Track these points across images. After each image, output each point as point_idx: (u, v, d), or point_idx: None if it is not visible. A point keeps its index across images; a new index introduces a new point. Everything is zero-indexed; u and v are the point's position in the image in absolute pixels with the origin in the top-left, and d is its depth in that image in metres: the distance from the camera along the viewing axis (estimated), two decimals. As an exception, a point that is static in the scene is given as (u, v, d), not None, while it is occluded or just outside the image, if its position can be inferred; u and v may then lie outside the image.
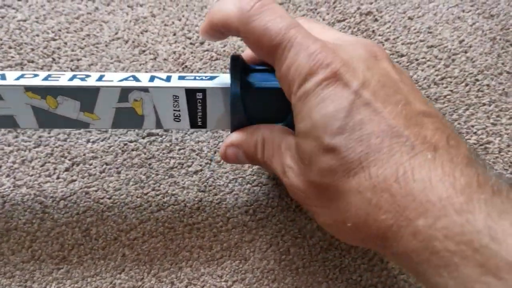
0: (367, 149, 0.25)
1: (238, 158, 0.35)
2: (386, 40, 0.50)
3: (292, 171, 0.30)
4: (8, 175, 0.44)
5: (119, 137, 0.46)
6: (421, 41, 0.50)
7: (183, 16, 0.50)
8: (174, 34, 0.49)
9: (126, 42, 0.49)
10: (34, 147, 0.45)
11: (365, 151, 0.25)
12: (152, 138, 0.46)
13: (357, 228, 0.26)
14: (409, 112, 0.26)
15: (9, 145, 0.45)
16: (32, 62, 0.48)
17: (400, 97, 0.28)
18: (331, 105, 0.26)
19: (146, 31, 0.49)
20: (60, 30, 0.49)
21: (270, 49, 0.28)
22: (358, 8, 0.51)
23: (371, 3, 0.51)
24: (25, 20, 0.49)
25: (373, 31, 0.50)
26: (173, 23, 0.50)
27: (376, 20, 0.50)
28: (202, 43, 0.49)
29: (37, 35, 0.49)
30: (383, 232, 0.25)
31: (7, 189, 0.44)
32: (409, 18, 0.51)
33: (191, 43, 0.49)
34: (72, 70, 0.47)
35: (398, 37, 0.50)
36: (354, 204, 0.26)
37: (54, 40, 0.49)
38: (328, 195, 0.27)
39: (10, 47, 0.48)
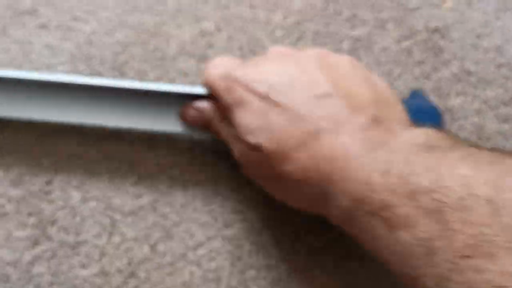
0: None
1: (194, 120, 0.40)
2: (454, 58, 0.47)
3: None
4: (77, 188, 0.43)
5: (186, 152, 0.44)
6: (489, 59, 0.48)
7: (248, 30, 0.48)
8: (240, 49, 0.47)
9: (193, 56, 0.47)
10: (102, 160, 0.44)
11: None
12: (219, 154, 0.44)
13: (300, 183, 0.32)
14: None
15: (78, 158, 0.44)
16: (101, 75, 0.46)
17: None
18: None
19: (212, 45, 0.48)
20: (127, 44, 0.47)
21: None
22: (426, 25, 0.48)
23: (438, 20, 0.48)
24: (93, 33, 0.48)
25: (441, 48, 0.47)
26: (239, 37, 0.48)
27: (443, 37, 0.48)
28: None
29: (106, 49, 0.47)
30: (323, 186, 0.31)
31: (76, 202, 0.43)
32: (477, 36, 0.48)
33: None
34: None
35: (466, 55, 0.47)
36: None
37: (122, 53, 0.48)
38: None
39: (79, 60, 0.47)
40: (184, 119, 0.42)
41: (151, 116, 0.41)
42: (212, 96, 0.39)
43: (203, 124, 0.41)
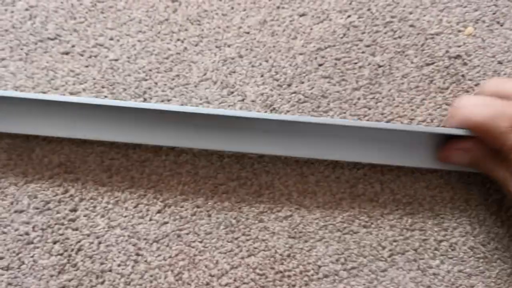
0: None
1: (460, 161, 0.40)
2: (476, 85, 0.47)
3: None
4: (102, 216, 0.43)
5: (209, 180, 0.44)
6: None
7: (270, 57, 0.48)
8: (262, 76, 0.47)
9: (215, 83, 0.47)
10: (127, 188, 0.44)
11: None
12: (242, 181, 0.44)
13: None
14: None
15: (103, 185, 0.44)
16: (124, 101, 0.47)
17: None
18: None
19: (234, 72, 0.48)
20: (150, 70, 0.48)
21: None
22: (447, 51, 0.48)
23: (459, 46, 0.48)
24: (117, 60, 0.48)
25: (463, 75, 0.47)
26: (260, 64, 0.48)
27: (465, 64, 0.48)
28: (289, 85, 0.47)
29: (129, 75, 0.47)
30: None
31: (101, 230, 0.43)
32: (499, 62, 0.48)
33: (278, 85, 0.47)
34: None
35: (488, 82, 0.47)
36: None
37: (145, 80, 0.48)
38: None
39: (103, 87, 0.47)
40: (446, 160, 0.42)
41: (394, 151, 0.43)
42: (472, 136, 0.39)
43: (468, 164, 0.40)
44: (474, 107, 0.37)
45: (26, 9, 0.49)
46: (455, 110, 0.39)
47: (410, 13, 0.50)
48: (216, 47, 0.49)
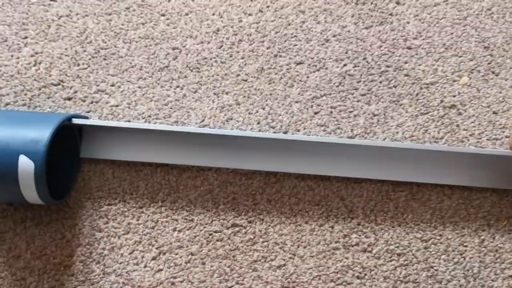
0: None
1: None
2: (471, 135, 0.47)
3: None
4: (98, 262, 0.43)
5: (204, 227, 0.44)
6: (507, 136, 0.47)
7: (266, 104, 0.48)
8: (258, 123, 0.48)
9: (212, 128, 0.48)
10: (123, 234, 0.44)
11: None
12: (236, 229, 0.44)
13: None
14: None
15: (100, 231, 0.44)
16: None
17: None
18: None
19: (231, 119, 0.48)
20: (150, 116, 0.48)
21: None
22: (442, 101, 0.48)
23: (454, 96, 0.48)
24: (117, 106, 0.48)
25: (458, 125, 0.47)
26: (257, 111, 0.48)
27: (460, 113, 0.48)
28: (285, 132, 0.47)
29: (129, 121, 0.48)
30: None
31: (96, 276, 0.43)
32: (494, 112, 0.48)
33: (274, 132, 0.47)
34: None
35: (483, 132, 0.47)
36: None
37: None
38: None
39: (103, 133, 0.47)
40: None
41: None
42: None
43: None
44: None
45: (32, 55, 0.50)
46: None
47: (405, 62, 0.50)
48: (214, 94, 0.49)
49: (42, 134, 0.38)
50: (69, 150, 0.43)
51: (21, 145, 0.38)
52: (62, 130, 0.41)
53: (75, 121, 0.42)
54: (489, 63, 0.49)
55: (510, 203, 0.44)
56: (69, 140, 0.43)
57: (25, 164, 0.37)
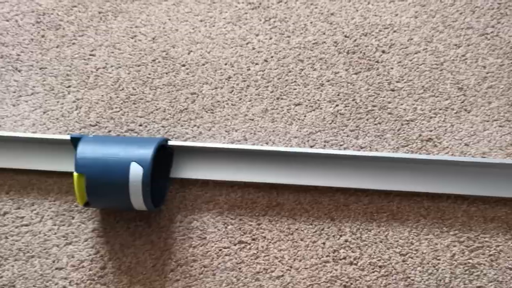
0: None
1: None
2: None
3: None
4: (126, 272, 0.51)
5: (215, 243, 0.52)
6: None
7: (269, 140, 0.56)
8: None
9: (223, 161, 0.56)
10: (147, 250, 0.52)
11: None
12: (242, 245, 0.51)
13: None
14: None
15: (128, 247, 0.52)
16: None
17: None
18: None
19: (239, 152, 0.56)
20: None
21: None
22: (420, 135, 0.55)
23: (431, 130, 0.55)
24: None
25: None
26: (261, 145, 0.56)
27: (435, 145, 0.55)
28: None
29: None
30: None
31: (125, 285, 0.51)
32: (466, 144, 0.55)
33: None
34: (178, 182, 0.54)
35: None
36: None
37: (166, 159, 0.56)
38: None
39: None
40: None
41: None
42: None
43: None
44: None
45: (74, 101, 0.60)
46: None
47: (389, 102, 0.57)
48: (226, 131, 0.58)
49: (148, 148, 0.49)
50: (159, 170, 0.52)
51: (132, 155, 0.48)
52: (157, 151, 0.50)
53: (171, 142, 0.53)
54: (462, 102, 0.56)
55: (478, 222, 0.51)
56: (160, 160, 0.52)
57: (136, 169, 0.47)
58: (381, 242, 0.50)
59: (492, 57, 0.58)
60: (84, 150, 0.48)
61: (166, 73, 0.60)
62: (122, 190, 0.46)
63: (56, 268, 0.51)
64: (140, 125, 0.57)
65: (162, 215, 0.52)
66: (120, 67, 0.61)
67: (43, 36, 0.63)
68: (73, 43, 0.63)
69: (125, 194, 0.46)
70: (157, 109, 0.58)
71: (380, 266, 0.49)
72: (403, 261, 0.49)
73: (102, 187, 0.47)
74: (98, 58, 0.61)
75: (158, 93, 0.59)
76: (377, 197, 0.52)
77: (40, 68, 0.61)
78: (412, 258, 0.49)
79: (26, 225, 0.52)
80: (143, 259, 0.50)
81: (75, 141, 0.48)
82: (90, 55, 0.62)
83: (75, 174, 0.47)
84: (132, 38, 0.63)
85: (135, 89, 0.59)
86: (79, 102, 0.59)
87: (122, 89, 0.59)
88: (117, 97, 0.59)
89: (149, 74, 0.60)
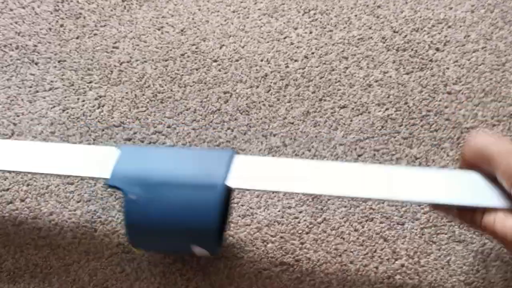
0: None
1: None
2: None
3: None
4: (154, 295, 0.43)
5: (254, 264, 0.44)
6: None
7: (312, 146, 0.48)
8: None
9: (261, 170, 0.48)
10: (178, 270, 0.44)
11: None
12: (284, 267, 0.44)
13: None
14: None
15: (155, 266, 0.45)
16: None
17: None
18: None
19: (279, 160, 0.48)
20: (203, 157, 0.48)
21: None
22: (482, 145, 0.47)
23: (494, 140, 0.47)
24: (173, 146, 0.49)
25: (498, 169, 0.46)
26: (303, 153, 0.48)
27: (500, 158, 0.46)
28: (330, 174, 0.47)
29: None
30: None
31: (153, 309, 0.43)
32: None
33: (320, 174, 0.47)
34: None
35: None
36: None
37: (198, 166, 0.49)
38: None
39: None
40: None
41: None
42: None
43: None
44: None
45: (96, 99, 0.52)
46: None
47: (446, 107, 0.49)
48: (263, 135, 0.50)
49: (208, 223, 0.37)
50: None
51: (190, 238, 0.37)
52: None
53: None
54: (528, 108, 0.48)
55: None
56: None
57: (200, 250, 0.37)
58: (442, 268, 0.42)
59: (560, 57, 0.49)
60: (132, 216, 0.37)
61: (196, 69, 0.52)
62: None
63: (77, 288, 0.43)
64: (169, 127, 0.50)
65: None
66: (145, 62, 0.53)
67: (62, 25, 0.55)
68: (95, 34, 0.54)
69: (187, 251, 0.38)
70: (186, 109, 0.50)
71: (441, 296, 0.42)
72: (468, 290, 0.42)
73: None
74: (121, 51, 0.53)
75: (188, 92, 0.51)
76: (435, 216, 0.44)
77: (59, 61, 0.54)
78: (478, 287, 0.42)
79: (44, 237, 0.45)
80: (173, 279, 0.43)
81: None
82: (113, 47, 0.54)
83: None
84: (158, 29, 0.54)
85: (162, 87, 0.52)
86: (102, 99, 0.51)
87: (148, 86, 0.52)
88: (143, 95, 0.51)
89: (178, 70, 0.52)
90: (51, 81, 0.51)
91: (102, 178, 0.38)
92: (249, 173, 0.37)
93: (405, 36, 0.52)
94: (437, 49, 0.50)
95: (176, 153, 0.40)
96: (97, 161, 0.39)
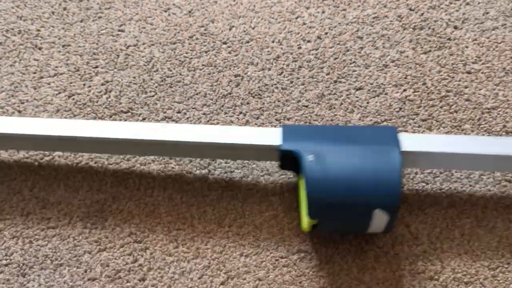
0: None
1: None
2: (536, 161, 0.43)
3: None
4: (169, 286, 0.42)
5: (270, 252, 0.42)
6: None
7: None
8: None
9: (276, 155, 0.45)
10: (193, 258, 0.42)
11: None
12: (302, 254, 0.42)
13: None
14: None
15: (170, 255, 0.43)
16: (190, 173, 0.45)
17: None
18: None
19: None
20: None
21: None
22: (504, 126, 0.45)
23: (517, 121, 0.45)
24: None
25: (521, 150, 0.43)
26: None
27: (524, 139, 0.44)
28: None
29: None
30: None
31: (168, 300, 0.41)
32: (559, 137, 0.44)
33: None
34: (225, 182, 0.44)
35: (548, 158, 0.43)
36: None
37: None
38: None
39: (170, 158, 0.46)
40: None
41: None
42: None
43: None
44: None
45: (102, 84, 0.50)
46: None
47: (466, 87, 0.47)
48: (276, 120, 0.47)
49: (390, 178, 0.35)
50: None
51: (373, 199, 0.35)
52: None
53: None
54: (552, 87, 0.46)
55: None
56: None
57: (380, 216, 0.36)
58: (465, 253, 0.40)
59: None
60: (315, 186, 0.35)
61: (206, 52, 0.50)
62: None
63: (89, 279, 0.41)
64: (178, 112, 0.47)
65: (208, 217, 0.43)
66: (153, 45, 0.50)
67: (65, 8, 0.52)
68: (99, 17, 0.52)
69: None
70: (197, 94, 0.48)
71: (466, 283, 0.40)
72: (493, 276, 0.40)
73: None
74: (128, 35, 0.51)
75: (197, 75, 0.49)
76: (458, 199, 0.42)
77: (63, 46, 0.51)
78: (503, 273, 0.40)
79: (53, 227, 0.43)
80: (188, 269, 0.41)
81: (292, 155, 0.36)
82: (119, 30, 0.51)
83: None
84: (165, 11, 0.52)
85: (171, 70, 0.49)
86: (109, 85, 0.49)
87: (157, 70, 0.49)
88: (151, 79, 0.49)
89: (186, 53, 0.50)
90: (56, 67, 0.49)
91: (273, 145, 0.38)
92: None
93: (422, 14, 0.49)
94: (455, 27, 0.48)
95: (337, 127, 0.41)
96: (264, 134, 0.39)
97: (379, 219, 0.34)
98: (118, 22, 0.51)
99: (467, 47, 0.47)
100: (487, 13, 0.49)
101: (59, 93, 0.48)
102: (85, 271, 0.42)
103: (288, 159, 0.36)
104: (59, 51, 0.50)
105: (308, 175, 0.33)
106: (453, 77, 0.46)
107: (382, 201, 0.33)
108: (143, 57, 0.49)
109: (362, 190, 0.34)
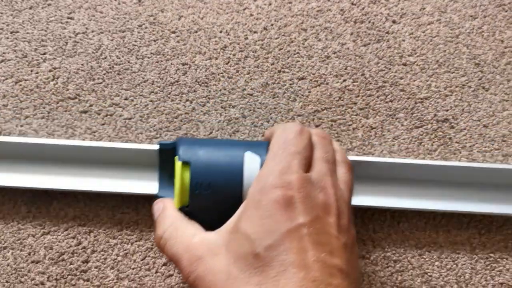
0: None
1: None
2: (463, 147, 0.45)
3: None
4: (112, 267, 0.42)
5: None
6: (495, 149, 0.46)
7: (271, 118, 0.47)
8: (263, 135, 0.46)
9: (220, 141, 0.46)
10: (136, 241, 0.43)
11: None
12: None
13: None
14: None
15: (113, 238, 0.43)
16: (136, 159, 0.45)
17: None
18: None
19: (238, 131, 0.47)
20: (161, 129, 0.47)
21: None
22: (435, 115, 0.47)
23: (447, 110, 0.47)
24: (130, 119, 0.47)
25: (450, 138, 0.46)
26: (262, 124, 0.47)
27: (452, 127, 0.46)
28: (288, 145, 0.45)
29: (141, 133, 0.46)
30: None
31: (111, 281, 0.42)
32: (484, 125, 0.46)
33: (278, 145, 0.46)
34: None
35: (473, 145, 0.46)
36: None
37: (156, 138, 0.47)
38: None
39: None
40: None
41: None
42: None
43: None
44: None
45: (50, 71, 0.49)
46: None
47: (401, 78, 0.48)
48: (222, 107, 0.48)
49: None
50: None
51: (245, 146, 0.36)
52: None
53: None
54: (479, 79, 0.48)
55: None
56: None
57: (251, 159, 0.35)
58: (395, 234, 0.42)
59: (510, 30, 0.49)
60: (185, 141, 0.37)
61: (154, 41, 0.50)
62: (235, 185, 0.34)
63: (32, 262, 0.41)
64: (126, 99, 0.47)
65: (151, 201, 0.43)
66: (102, 33, 0.50)
67: (13, -5, 0.51)
68: (49, 4, 0.51)
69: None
70: (144, 81, 0.48)
71: (395, 261, 0.41)
72: (419, 255, 0.42)
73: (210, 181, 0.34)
74: (77, 22, 0.50)
75: (146, 63, 0.49)
76: (390, 184, 0.43)
77: (11, 32, 0.50)
78: (429, 252, 0.42)
79: (-3, 212, 0.42)
80: (131, 251, 0.41)
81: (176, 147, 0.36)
82: (68, 18, 0.51)
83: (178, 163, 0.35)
84: (115, 0, 0.51)
85: (119, 58, 0.49)
86: (56, 71, 0.48)
87: (105, 58, 0.49)
88: (99, 66, 0.49)
89: (135, 41, 0.50)
90: (3, 53, 0.48)
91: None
92: None
93: (363, 8, 0.50)
94: (394, 21, 0.49)
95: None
96: None
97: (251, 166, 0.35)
98: (67, 9, 0.50)
99: (404, 40, 0.49)
100: (424, 8, 0.50)
101: (6, 79, 0.47)
102: (29, 254, 0.41)
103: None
104: (7, 38, 0.49)
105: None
106: (389, 69, 0.48)
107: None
108: (91, 44, 0.49)
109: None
